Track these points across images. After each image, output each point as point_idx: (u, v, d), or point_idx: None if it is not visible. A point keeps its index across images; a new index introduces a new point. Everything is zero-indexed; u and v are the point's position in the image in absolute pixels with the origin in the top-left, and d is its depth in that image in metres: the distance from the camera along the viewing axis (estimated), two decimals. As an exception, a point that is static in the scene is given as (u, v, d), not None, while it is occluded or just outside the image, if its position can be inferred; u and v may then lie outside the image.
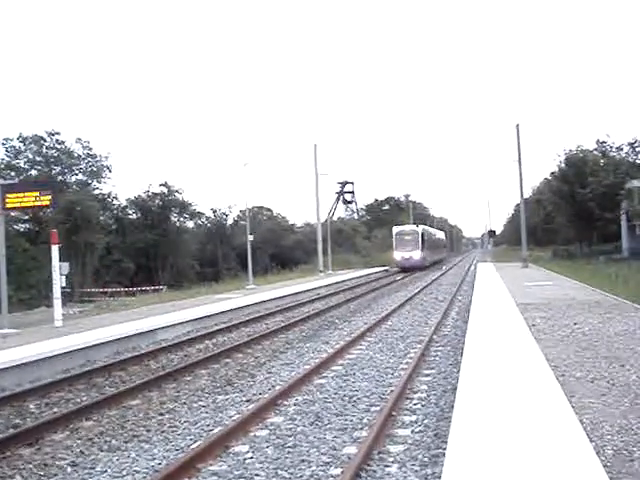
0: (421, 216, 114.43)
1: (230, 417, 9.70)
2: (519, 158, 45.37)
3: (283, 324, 20.10)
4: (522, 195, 47.76)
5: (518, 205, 60.48)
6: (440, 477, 5.45)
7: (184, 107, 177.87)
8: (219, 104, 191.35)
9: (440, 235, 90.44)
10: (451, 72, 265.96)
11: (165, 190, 76.60)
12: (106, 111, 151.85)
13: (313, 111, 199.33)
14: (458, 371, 10.13)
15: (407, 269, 56.87)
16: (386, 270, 61.03)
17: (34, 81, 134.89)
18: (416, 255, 59.16)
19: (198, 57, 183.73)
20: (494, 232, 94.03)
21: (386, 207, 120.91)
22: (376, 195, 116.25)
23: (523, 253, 46.73)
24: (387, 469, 7.17)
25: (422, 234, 60.95)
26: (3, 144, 67.51)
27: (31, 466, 7.94)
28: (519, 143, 45.20)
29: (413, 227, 64.53)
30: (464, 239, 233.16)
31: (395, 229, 63.02)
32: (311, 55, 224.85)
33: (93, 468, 7.75)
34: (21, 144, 68.54)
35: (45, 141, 69.59)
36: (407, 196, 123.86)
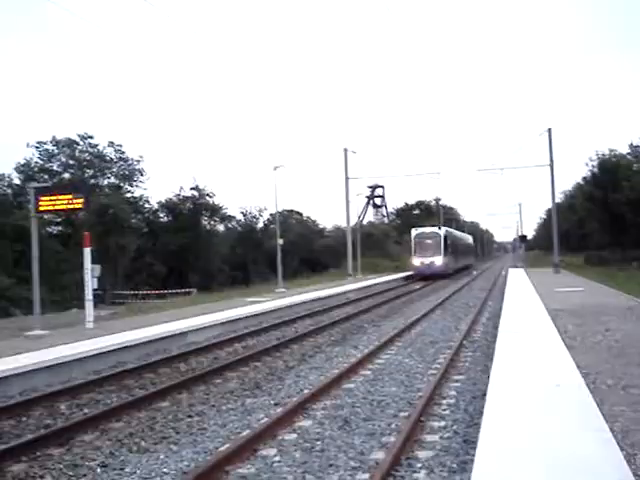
0: (451, 220, 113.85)
1: (258, 420, 9.72)
2: (551, 162, 44.97)
3: (312, 328, 20.11)
4: (554, 200, 47.34)
5: (550, 210, 58.78)
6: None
7: (215, 111, 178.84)
8: (250, 107, 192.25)
9: (467, 239, 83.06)
10: (483, 75, 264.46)
11: (196, 193, 76.94)
12: (138, 115, 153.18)
13: (343, 114, 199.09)
14: (488, 377, 10.06)
15: (427, 277, 49.96)
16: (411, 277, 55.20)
17: (67, 85, 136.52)
18: (438, 261, 52.02)
19: (229, 60, 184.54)
20: (525, 237, 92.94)
21: (416, 211, 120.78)
22: (406, 199, 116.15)
23: (555, 258, 46.28)
24: (415, 475, 7.15)
25: (445, 237, 54.04)
26: (37, 148, 68.27)
27: (61, 466, 8.02)
28: (551, 147, 44.81)
29: (434, 229, 56.16)
30: (495, 244, 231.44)
31: (414, 231, 55.85)
32: (342, 58, 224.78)
33: (122, 469, 7.82)
34: (54, 147, 69.27)
35: (78, 144, 70.26)
36: (437, 200, 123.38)
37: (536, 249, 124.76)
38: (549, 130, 44.84)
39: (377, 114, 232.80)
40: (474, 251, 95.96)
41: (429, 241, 53.18)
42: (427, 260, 51.84)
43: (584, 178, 65.20)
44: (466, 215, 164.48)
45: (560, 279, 36.77)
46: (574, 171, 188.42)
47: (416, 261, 52.95)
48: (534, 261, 73.88)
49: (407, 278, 51.71)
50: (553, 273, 42.97)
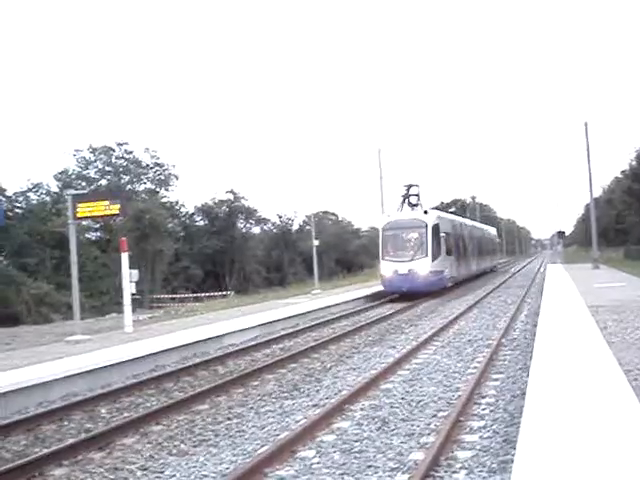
0: (488, 217, 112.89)
1: (297, 422, 9.71)
2: (588, 157, 44.38)
3: (349, 328, 20.09)
4: (592, 194, 46.70)
5: (588, 205, 57.73)
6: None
7: (249, 114, 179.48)
8: (284, 110, 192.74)
9: (484, 232, 59.17)
10: (518, 70, 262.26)
11: (231, 197, 77.46)
12: (173, 120, 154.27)
13: (377, 114, 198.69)
14: (527, 375, 9.94)
15: (405, 293, 30.52)
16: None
17: (103, 93, 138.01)
18: (422, 267, 31.28)
19: (263, 63, 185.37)
20: (563, 233, 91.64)
21: (452, 209, 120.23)
22: (442, 198, 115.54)
23: (594, 254, 45.63)
24: (455, 475, 7.08)
25: (435, 227, 32.61)
26: (74, 155, 69.30)
27: (102, 470, 8.09)
28: (588, 141, 44.19)
29: (416, 214, 34.30)
30: (533, 240, 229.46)
31: (383, 219, 34.85)
32: (376, 58, 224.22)
33: (162, 472, 7.86)
34: (91, 155, 70.25)
35: (114, 151, 71.18)
36: (473, 198, 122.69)
37: (574, 245, 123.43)
38: (585, 124, 44.30)
39: (412, 112, 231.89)
40: (495, 249, 67.97)
41: (408, 234, 32.68)
42: (404, 266, 31.39)
43: (623, 172, 64.32)
44: (503, 212, 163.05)
45: (599, 274, 36.26)
46: (612, 165, 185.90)
47: (386, 268, 32.09)
48: (572, 257, 72.93)
49: (375, 297, 31.88)
50: (592, 269, 42.36)
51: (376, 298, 31.19)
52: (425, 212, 33.80)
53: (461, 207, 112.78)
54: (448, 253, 34.38)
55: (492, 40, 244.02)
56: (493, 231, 68.95)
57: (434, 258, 31.72)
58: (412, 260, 31.46)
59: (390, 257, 32.31)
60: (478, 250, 49.16)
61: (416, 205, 36.82)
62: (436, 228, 32.62)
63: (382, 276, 32.42)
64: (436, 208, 53.22)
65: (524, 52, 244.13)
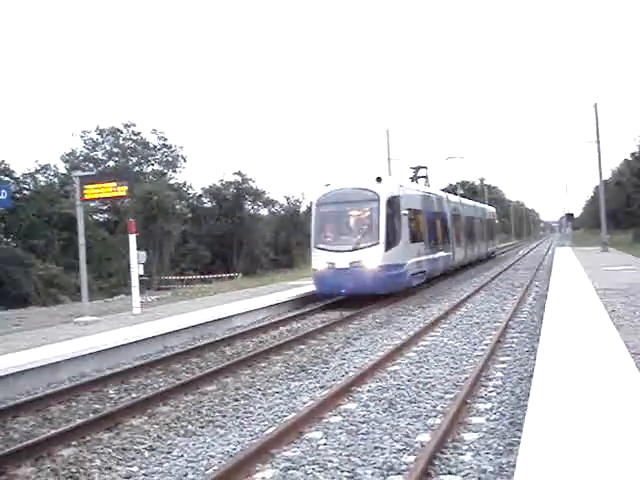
0: (496, 200, 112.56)
1: (304, 403, 9.74)
2: (597, 139, 44.07)
3: (355, 311, 20.07)
4: (601, 177, 46.43)
5: (597, 187, 57.25)
6: (515, 466, 5.34)
7: (256, 95, 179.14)
8: (291, 91, 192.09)
9: (480, 211, 48.85)
10: (527, 52, 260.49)
11: (239, 178, 77.28)
12: (180, 101, 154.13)
13: (386, 95, 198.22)
14: (535, 358, 9.93)
15: (347, 294, 22.41)
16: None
17: (110, 74, 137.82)
18: (371, 258, 21.93)
19: (270, 45, 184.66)
20: (572, 215, 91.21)
21: (460, 192, 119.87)
22: (450, 179, 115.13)
23: (602, 237, 45.43)
24: (461, 457, 7.10)
25: (392, 201, 23.08)
26: (82, 137, 69.36)
27: (110, 450, 8.14)
28: (597, 123, 43.87)
29: (366, 183, 23.42)
30: (541, 223, 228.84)
31: (320, 190, 24.17)
32: (384, 39, 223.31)
33: (170, 452, 7.91)
34: (99, 136, 70.29)
35: (122, 133, 71.18)
36: (482, 180, 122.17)
37: (583, 228, 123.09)
38: (595, 106, 43.99)
39: (420, 93, 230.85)
40: (493, 232, 55.33)
41: (351, 211, 23.45)
42: (343, 258, 22.11)
43: (632, 154, 63.91)
44: (511, 194, 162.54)
45: (608, 257, 36.16)
46: (622, 147, 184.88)
47: (319, 260, 22.86)
48: (581, 240, 72.75)
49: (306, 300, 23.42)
50: (601, 251, 42.25)
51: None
52: (378, 179, 22.93)
53: (469, 189, 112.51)
54: (415, 238, 24.81)
55: (502, 20, 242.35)
56: (490, 210, 57.63)
57: (389, 245, 22.00)
58: (356, 249, 21.79)
59: (325, 244, 22.68)
60: (467, 233, 39.13)
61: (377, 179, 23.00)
62: (394, 203, 22.91)
63: (314, 271, 22.90)
64: (445, 190, 44.05)
65: (534, 33, 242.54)
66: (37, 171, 61.17)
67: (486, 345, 13.45)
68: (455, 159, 62.60)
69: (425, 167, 38.34)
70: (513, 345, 13.52)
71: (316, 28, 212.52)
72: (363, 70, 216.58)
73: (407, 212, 23.87)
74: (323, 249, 22.72)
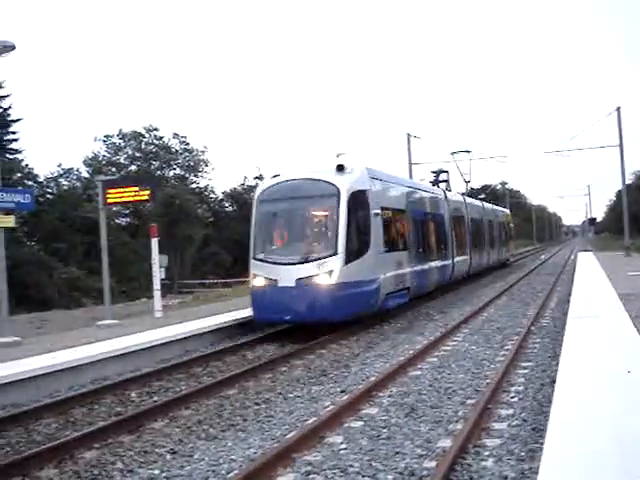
0: (518, 204, 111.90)
1: (325, 407, 9.73)
2: (620, 142, 43.72)
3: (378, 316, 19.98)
4: (624, 181, 46.04)
5: (620, 191, 56.75)
6: (537, 472, 5.31)
7: (277, 99, 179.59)
8: (312, 94, 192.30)
9: (488, 212, 41.41)
10: (552, 54, 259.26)
11: (260, 182, 77.38)
12: (202, 106, 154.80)
13: (407, 100, 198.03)
14: (557, 364, 9.87)
15: (293, 321, 16.90)
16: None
17: (132, 78, 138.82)
18: (325, 273, 16.15)
19: (292, 48, 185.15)
20: (594, 220, 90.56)
21: (482, 196, 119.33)
22: (472, 184, 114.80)
23: (625, 241, 45.05)
24: (483, 463, 7.06)
25: (357, 197, 17.23)
26: (104, 141, 69.81)
27: (132, 453, 8.18)
28: (620, 127, 43.55)
29: (322, 173, 17.54)
30: (563, 227, 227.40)
31: (264, 183, 19.24)
32: (405, 42, 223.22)
33: (191, 456, 7.93)
34: (121, 141, 70.70)
35: (144, 137, 71.53)
36: (503, 184, 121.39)
37: (606, 232, 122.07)
38: (618, 109, 43.65)
39: (441, 98, 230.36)
40: (506, 237, 47.32)
41: (301, 211, 17.75)
42: (288, 273, 16.51)
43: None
44: (533, 199, 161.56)
45: (631, 262, 35.79)
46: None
47: (257, 275, 17.15)
48: (603, 244, 71.99)
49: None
50: (624, 256, 41.87)
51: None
52: (340, 168, 17.33)
53: (491, 193, 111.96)
54: (393, 246, 19.67)
55: (526, 22, 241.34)
56: (504, 212, 51.17)
57: (352, 256, 16.59)
58: (306, 261, 16.44)
59: (265, 255, 17.18)
60: (474, 239, 33.30)
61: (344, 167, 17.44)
62: (361, 199, 17.44)
63: (252, 289, 17.33)
64: (466, 194, 38.60)
65: (559, 35, 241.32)
66: (60, 175, 61.69)
67: (508, 350, 13.38)
68: (477, 162, 60.72)
69: (446, 171, 37.83)
70: (535, 351, 13.43)
71: (335, 28, 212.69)
72: (384, 71, 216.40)
73: (380, 212, 18.29)
74: (262, 261, 17.02)
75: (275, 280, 16.49)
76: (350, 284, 16.41)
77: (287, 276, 16.32)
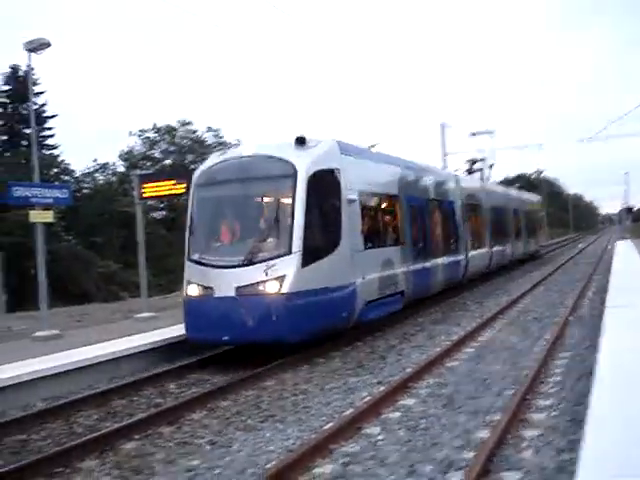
0: (554, 193, 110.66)
1: (361, 399, 9.76)
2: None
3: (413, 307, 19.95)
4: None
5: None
6: (577, 464, 5.28)
7: (310, 91, 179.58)
8: (345, 84, 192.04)
9: (512, 199, 37.66)
10: (585, 41, 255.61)
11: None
12: (235, 99, 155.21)
13: (439, 88, 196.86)
14: (596, 354, 9.77)
15: (234, 342, 13.27)
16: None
17: (166, 73, 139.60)
18: (278, 279, 12.34)
19: (324, 37, 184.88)
20: (631, 209, 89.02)
21: (517, 185, 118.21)
22: (507, 172, 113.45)
23: (664, 230, 44.30)
24: (521, 454, 7.02)
25: (319, 178, 13.43)
26: (139, 136, 70.25)
27: (171, 444, 8.30)
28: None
29: (276, 149, 13.84)
30: (600, 216, 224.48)
31: (206, 163, 15.04)
32: (437, 30, 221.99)
33: (230, 447, 8.00)
34: (156, 135, 71.11)
35: (178, 131, 71.90)
36: (539, 172, 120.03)
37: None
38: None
39: (474, 86, 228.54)
40: (536, 226, 43.85)
41: (249, 197, 14.06)
42: (227, 278, 12.74)
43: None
44: (570, 187, 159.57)
45: (670, 251, 35.25)
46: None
47: (192, 280, 13.41)
48: (641, 233, 70.92)
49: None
50: (662, 245, 41.21)
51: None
52: (300, 142, 13.82)
53: (527, 182, 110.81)
54: (377, 241, 16.11)
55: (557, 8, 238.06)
56: (532, 199, 46.49)
57: (311, 255, 12.94)
58: (250, 263, 12.77)
59: (200, 256, 13.53)
60: (494, 230, 29.42)
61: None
62: (325, 180, 13.84)
63: (184, 300, 13.71)
64: (501, 183, 36.81)
65: (591, 22, 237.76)
66: (96, 170, 62.25)
67: (545, 341, 13.28)
68: (512, 151, 59.54)
69: (482, 159, 37.09)
70: (573, 341, 13.31)
71: (372, 24, 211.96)
72: (419, 61, 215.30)
73: (358, 198, 14.75)
74: (198, 263, 13.43)
75: (211, 289, 12.90)
76: (310, 292, 12.71)
77: (224, 283, 12.65)
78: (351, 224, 14.21)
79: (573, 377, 10.23)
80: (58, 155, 55.73)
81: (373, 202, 16.29)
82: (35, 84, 49.42)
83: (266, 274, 12.38)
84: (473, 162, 36.43)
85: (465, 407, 8.96)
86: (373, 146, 38.83)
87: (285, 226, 12.83)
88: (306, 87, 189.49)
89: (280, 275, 12.34)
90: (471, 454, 7.06)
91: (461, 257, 23.36)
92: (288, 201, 13.02)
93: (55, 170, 53.26)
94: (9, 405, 10.47)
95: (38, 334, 15.71)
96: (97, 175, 62.18)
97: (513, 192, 41.09)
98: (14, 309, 29.75)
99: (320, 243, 13.31)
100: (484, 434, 7.69)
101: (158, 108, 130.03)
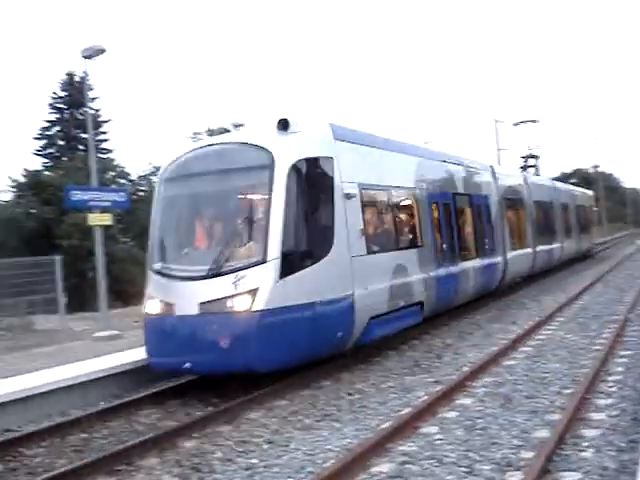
0: (611, 187, 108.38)
1: (418, 398, 9.73)
2: None
3: (469, 304, 19.80)
4: None
5: None
6: (638, 464, 5.20)
7: (360, 86, 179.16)
8: (395, 81, 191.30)
9: (557, 193, 33.59)
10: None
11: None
12: (285, 101, 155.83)
13: (493, 82, 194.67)
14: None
15: (197, 371, 11.10)
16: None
17: (217, 76, 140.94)
18: (249, 294, 10.14)
19: (374, 32, 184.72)
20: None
21: (573, 180, 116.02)
22: (563, 168, 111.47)
23: None
24: (582, 454, 6.93)
25: (306, 168, 11.20)
26: (192, 139, 71.03)
27: (230, 443, 8.39)
28: None
29: (255, 136, 11.82)
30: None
31: (174, 154, 12.32)
32: (493, 27, 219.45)
33: (287, 445, 8.06)
34: (209, 137, 71.86)
35: (230, 133, 72.56)
36: (595, 167, 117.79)
37: None
38: None
39: (528, 80, 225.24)
40: (588, 224, 41.05)
41: (220, 194, 11.62)
42: (191, 294, 10.57)
43: None
44: (628, 182, 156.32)
45: None
46: None
47: (153, 295, 11.29)
48: None
49: None
50: None
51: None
52: (282, 125, 11.38)
53: (583, 178, 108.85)
54: (384, 243, 13.66)
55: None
56: (584, 195, 43.44)
57: (292, 263, 10.65)
58: (217, 274, 10.61)
59: (163, 265, 11.55)
60: (538, 228, 27.00)
61: None
62: (313, 171, 11.55)
63: (145, 318, 11.54)
64: (556, 179, 34.66)
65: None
66: (151, 173, 63.10)
67: (605, 339, 13.06)
68: (567, 145, 58.34)
69: (537, 156, 36.43)
70: (634, 339, 13.06)
71: (425, 18, 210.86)
72: (472, 57, 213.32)
73: (358, 192, 12.46)
74: (160, 274, 11.44)
75: (171, 305, 10.82)
76: (291, 309, 10.50)
77: (186, 299, 10.58)
78: (348, 224, 11.87)
79: (634, 376, 10.05)
80: (113, 159, 56.72)
81: (380, 197, 13.81)
82: (90, 89, 50.36)
83: (235, 287, 10.26)
84: (527, 157, 35.49)
85: (523, 406, 8.87)
86: (426, 143, 38.44)
87: (259, 228, 10.72)
88: (354, 82, 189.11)
89: (252, 288, 10.20)
90: (530, 454, 6.99)
91: (497, 259, 20.66)
92: (264, 197, 10.84)
93: (112, 174, 54.15)
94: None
95: (99, 334, 16.05)
96: (152, 178, 63.06)
97: (561, 186, 37.80)
98: (73, 310, 30.34)
99: (305, 248, 11.00)
100: (542, 434, 7.60)
101: (210, 111, 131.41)
